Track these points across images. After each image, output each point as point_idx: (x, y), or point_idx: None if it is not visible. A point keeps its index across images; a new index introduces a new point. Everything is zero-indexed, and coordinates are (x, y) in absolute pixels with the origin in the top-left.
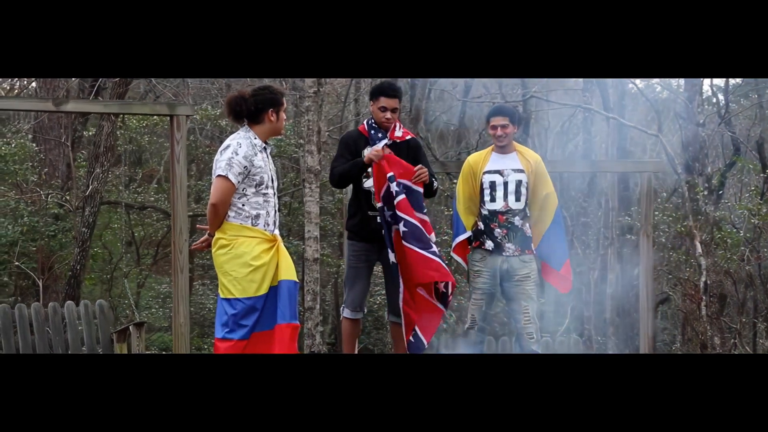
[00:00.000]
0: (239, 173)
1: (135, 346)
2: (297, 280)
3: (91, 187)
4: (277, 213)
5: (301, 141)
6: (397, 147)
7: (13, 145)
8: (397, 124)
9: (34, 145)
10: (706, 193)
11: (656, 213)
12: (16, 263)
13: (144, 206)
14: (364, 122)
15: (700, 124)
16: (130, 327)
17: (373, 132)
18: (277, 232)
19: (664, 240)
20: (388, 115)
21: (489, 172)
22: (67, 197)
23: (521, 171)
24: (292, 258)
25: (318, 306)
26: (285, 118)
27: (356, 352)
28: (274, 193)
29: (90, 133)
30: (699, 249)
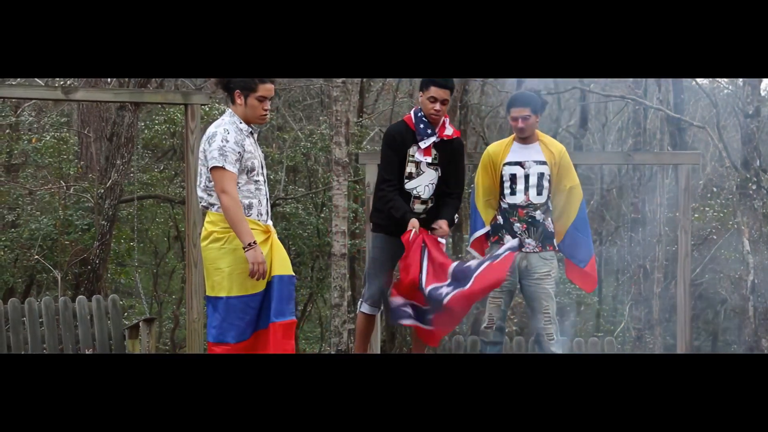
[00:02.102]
0: (236, 160)
1: (145, 342)
2: (293, 274)
3: (111, 179)
4: (269, 202)
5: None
6: (443, 145)
7: (48, 138)
8: (446, 120)
9: (75, 138)
10: (755, 188)
11: (706, 209)
12: (36, 257)
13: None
14: (411, 113)
15: (749, 115)
16: (140, 323)
17: (422, 126)
18: (270, 222)
19: (715, 237)
20: (438, 106)
21: (509, 163)
22: (101, 191)
23: (543, 163)
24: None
25: (345, 303)
26: (262, 107)
27: (369, 350)
28: (265, 181)
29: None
30: (747, 246)
